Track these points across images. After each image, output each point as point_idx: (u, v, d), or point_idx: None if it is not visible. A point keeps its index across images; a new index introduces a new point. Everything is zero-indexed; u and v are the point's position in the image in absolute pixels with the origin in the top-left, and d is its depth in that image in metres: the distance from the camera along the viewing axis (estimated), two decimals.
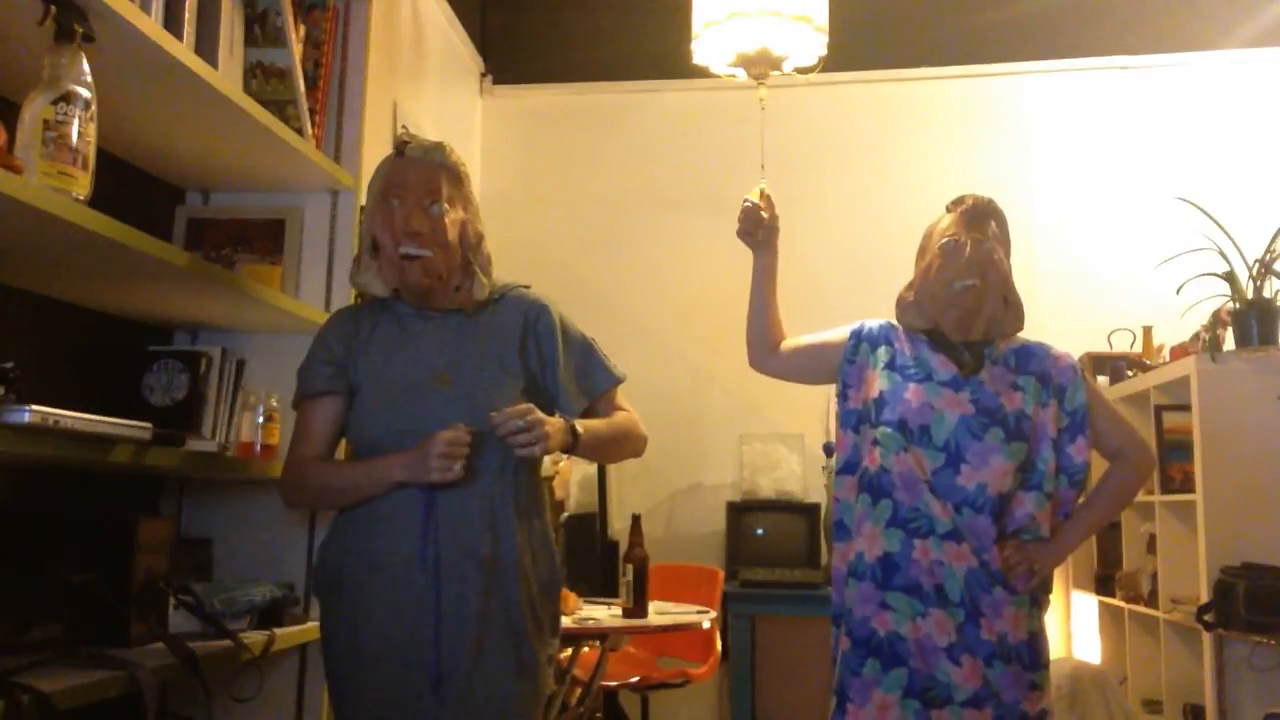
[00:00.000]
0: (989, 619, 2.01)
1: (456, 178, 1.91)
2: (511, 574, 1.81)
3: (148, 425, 1.71)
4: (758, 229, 2.23)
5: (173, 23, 1.82)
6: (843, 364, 2.20)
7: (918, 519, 2.03)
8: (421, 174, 1.86)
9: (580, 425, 1.86)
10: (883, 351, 2.17)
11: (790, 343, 2.28)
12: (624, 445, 2.01)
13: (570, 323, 1.99)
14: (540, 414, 1.77)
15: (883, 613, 2.03)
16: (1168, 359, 3.55)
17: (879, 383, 2.14)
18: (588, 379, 1.98)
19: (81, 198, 1.55)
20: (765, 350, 2.27)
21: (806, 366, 2.28)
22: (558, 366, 1.93)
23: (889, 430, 2.07)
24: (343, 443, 1.99)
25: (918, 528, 2.03)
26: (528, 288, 2.01)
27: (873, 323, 2.24)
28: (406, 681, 1.76)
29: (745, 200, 2.24)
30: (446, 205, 1.86)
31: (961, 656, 1.99)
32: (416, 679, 1.75)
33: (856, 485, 2.12)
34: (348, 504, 1.87)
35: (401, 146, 1.90)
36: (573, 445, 1.85)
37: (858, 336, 2.22)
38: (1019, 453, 2.05)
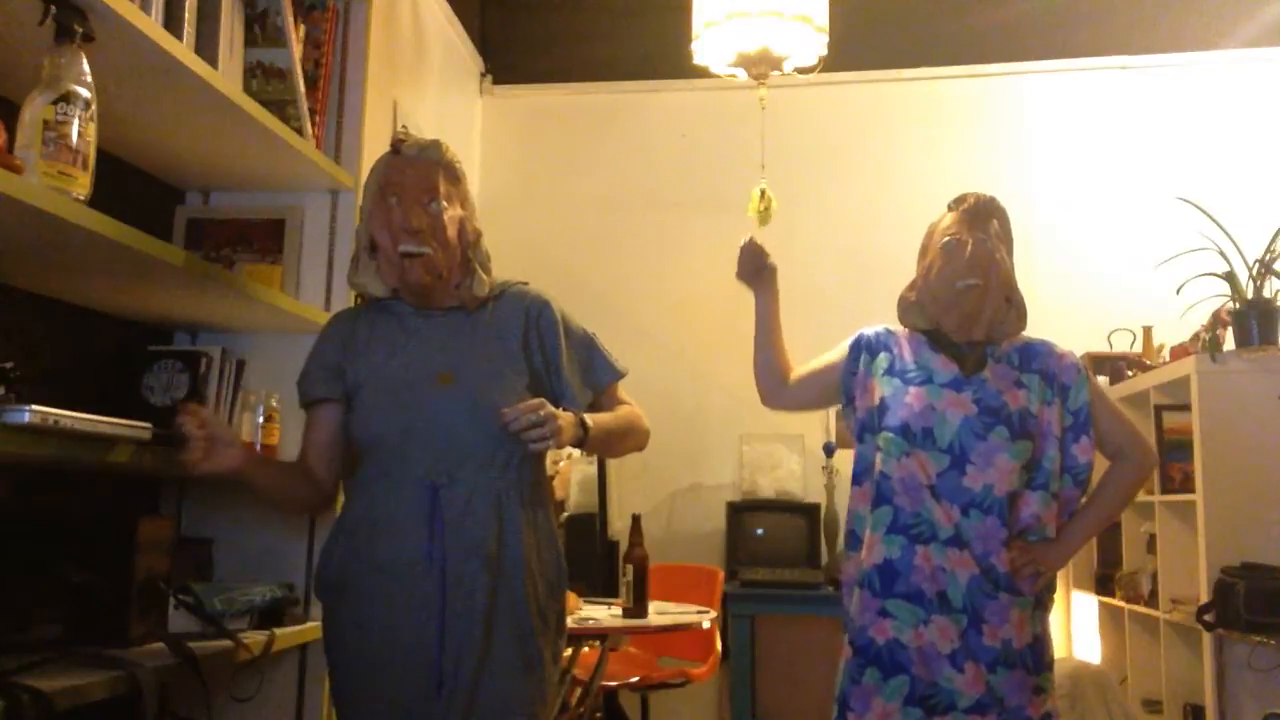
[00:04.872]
0: (992, 624, 2.00)
1: (453, 175, 1.91)
2: (518, 571, 1.81)
3: (148, 425, 1.71)
4: (761, 269, 2.23)
5: (173, 23, 1.82)
6: (845, 377, 2.20)
7: (919, 525, 2.02)
8: (419, 172, 1.86)
9: (589, 419, 1.86)
10: (882, 358, 2.17)
11: (796, 373, 2.26)
12: (629, 438, 2.01)
13: (571, 318, 2.00)
14: (552, 408, 1.77)
15: (881, 621, 2.02)
16: (1168, 359, 3.55)
17: (880, 389, 2.13)
18: (591, 374, 1.98)
19: (81, 198, 1.55)
20: (776, 386, 2.26)
21: (816, 392, 2.27)
22: (561, 362, 1.93)
23: (891, 435, 2.07)
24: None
25: (919, 534, 2.02)
26: (526, 284, 2.02)
27: (870, 331, 2.23)
28: (411, 683, 1.75)
29: (744, 241, 2.23)
30: (445, 202, 1.86)
31: (964, 663, 1.98)
32: (421, 680, 1.75)
33: (868, 494, 2.12)
34: (286, 505, 2.04)
35: (398, 145, 1.89)
36: (583, 439, 1.85)
37: (857, 348, 2.21)
38: (1024, 451, 2.04)
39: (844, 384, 2.20)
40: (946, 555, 2.01)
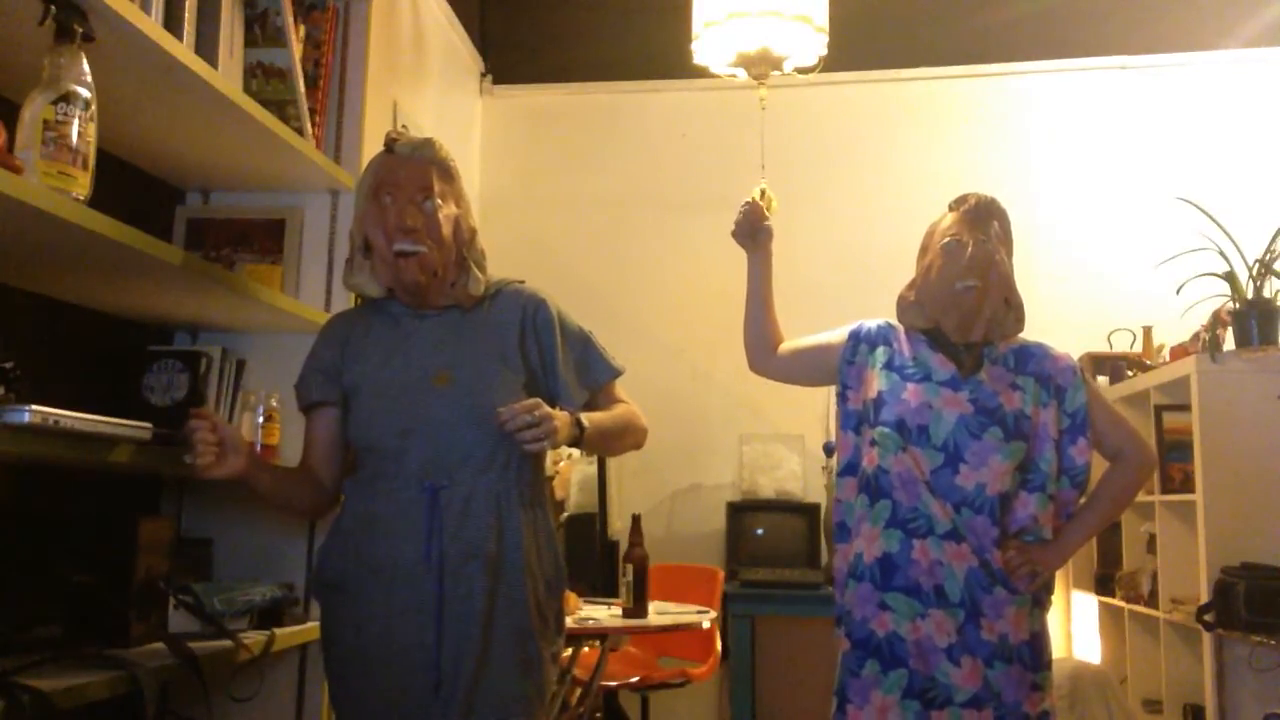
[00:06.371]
0: (989, 619, 2.01)
1: (447, 173, 1.90)
2: (518, 571, 1.81)
3: (148, 425, 1.71)
4: (758, 231, 2.24)
5: (173, 23, 1.82)
6: (842, 365, 2.20)
7: (917, 519, 2.03)
8: (413, 170, 1.86)
9: (585, 418, 1.86)
10: (881, 352, 2.17)
11: (789, 345, 2.28)
12: (626, 437, 2.01)
13: (568, 316, 1.99)
14: (547, 408, 1.77)
15: (881, 613, 2.03)
16: (1168, 359, 3.55)
17: (877, 383, 2.14)
18: (587, 372, 1.98)
19: (81, 198, 1.55)
20: (764, 352, 2.27)
21: (806, 368, 2.28)
22: (557, 360, 1.93)
23: (887, 430, 2.07)
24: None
25: (917, 528, 2.03)
26: (522, 283, 2.02)
27: (871, 323, 2.24)
28: (409, 683, 1.75)
29: (744, 202, 2.24)
30: (439, 201, 1.86)
31: (961, 657, 1.99)
32: (419, 681, 1.75)
33: (857, 486, 2.12)
34: (285, 509, 2.00)
35: (391, 144, 1.89)
36: (579, 438, 1.85)
37: (856, 337, 2.22)
38: (1017, 452, 2.05)
39: (841, 372, 2.21)
40: (944, 549, 2.01)
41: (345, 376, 1.90)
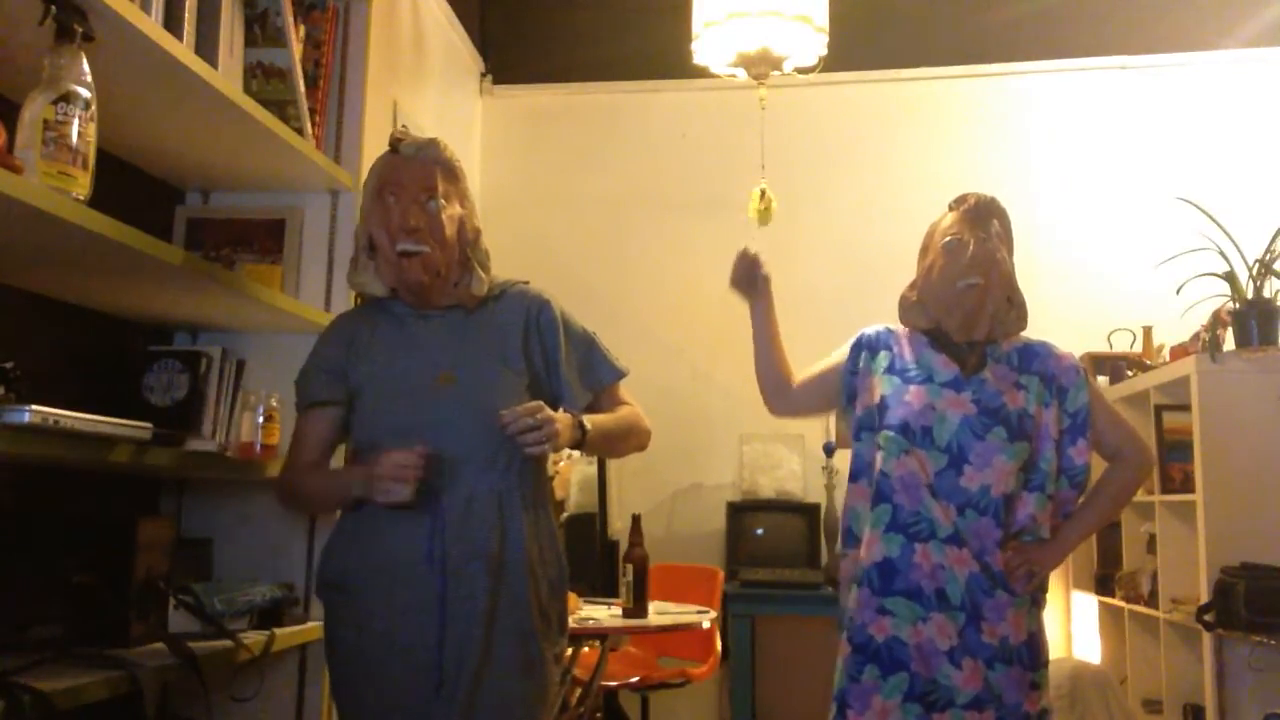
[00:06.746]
0: (990, 622, 2.00)
1: (452, 173, 1.91)
2: (520, 572, 1.81)
3: (148, 425, 1.71)
4: (755, 279, 2.21)
5: (173, 23, 1.82)
6: (845, 376, 2.20)
7: (918, 523, 2.03)
8: (417, 170, 1.86)
9: (588, 421, 1.86)
10: (882, 357, 2.17)
11: (801, 378, 2.25)
12: (629, 439, 2.01)
13: (571, 317, 2.00)
14: (550, 411, 1.77)
15: (880, 618, 2.02)
16: (1168, 359, 3.55)
17: (880, 388, 2.13)
18: (591, 373, 1.98)
19: (81, 198, 1.55)
20: (781, 394, 2.24)
21: (822, 395, 2.25)
22: (561, 361, 1.93)
23: (890, 434, 2.07)
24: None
25: (918, 532, 2.03)
26: (526, 283, 2.02)
27: (871, 330, 2.23)
28: (411, 683, 1.76)
29: (740, 252, 2.21)
30: (443, 201, 1.86)
31: (962, 660, 1.99)
32: (420, 680, 1.75)
33: (867, 492, 2.12)
34: (322, 511, 1.94)
35: (396, 144, 1.89)
36: (581, 441, 1.85)
37: (858, 347, 2.22)
38: (1022, 452, 2.05)
39: (845, 383, 2.20)
40: (945, 553, 2.01)
41: (351, 376, 1.90)
